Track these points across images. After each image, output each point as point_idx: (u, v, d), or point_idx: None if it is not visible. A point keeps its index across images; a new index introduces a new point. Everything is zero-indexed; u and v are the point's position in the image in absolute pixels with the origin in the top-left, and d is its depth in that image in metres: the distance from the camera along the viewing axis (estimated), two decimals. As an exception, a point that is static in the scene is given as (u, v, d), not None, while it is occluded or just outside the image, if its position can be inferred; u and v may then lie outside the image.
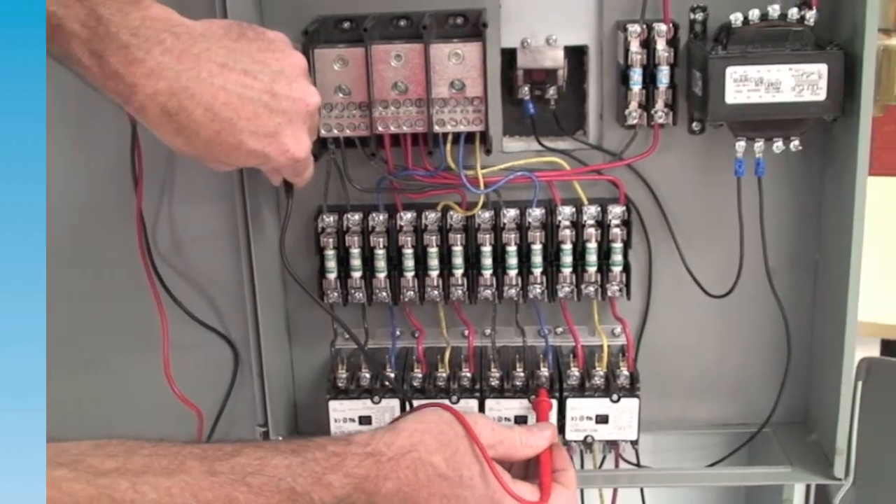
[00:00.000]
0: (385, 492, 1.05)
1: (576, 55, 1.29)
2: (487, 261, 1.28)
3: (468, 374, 1.34)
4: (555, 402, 1.31)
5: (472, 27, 1.20)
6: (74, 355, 1.45)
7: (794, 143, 1.21)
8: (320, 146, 1.23)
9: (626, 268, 1.29)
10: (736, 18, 1.18)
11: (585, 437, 1.33)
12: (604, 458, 1.41)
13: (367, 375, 1.34)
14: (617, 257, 1.29)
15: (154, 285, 1.34)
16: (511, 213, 1.28)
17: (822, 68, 1.16)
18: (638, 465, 1.42)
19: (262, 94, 1.03)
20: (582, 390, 1.32)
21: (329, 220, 1.30)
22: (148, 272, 1.34)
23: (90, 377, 1.46)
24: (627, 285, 1.30)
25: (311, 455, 1.03)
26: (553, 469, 1.20)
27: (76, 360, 1.45)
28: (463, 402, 1.32)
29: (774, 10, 1.17)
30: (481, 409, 1.33)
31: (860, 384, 1.31)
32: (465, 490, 1.10)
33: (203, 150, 1.01)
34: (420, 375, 1.35)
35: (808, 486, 1.46)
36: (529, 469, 1.22)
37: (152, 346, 1.37)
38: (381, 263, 1.29)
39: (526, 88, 1.28)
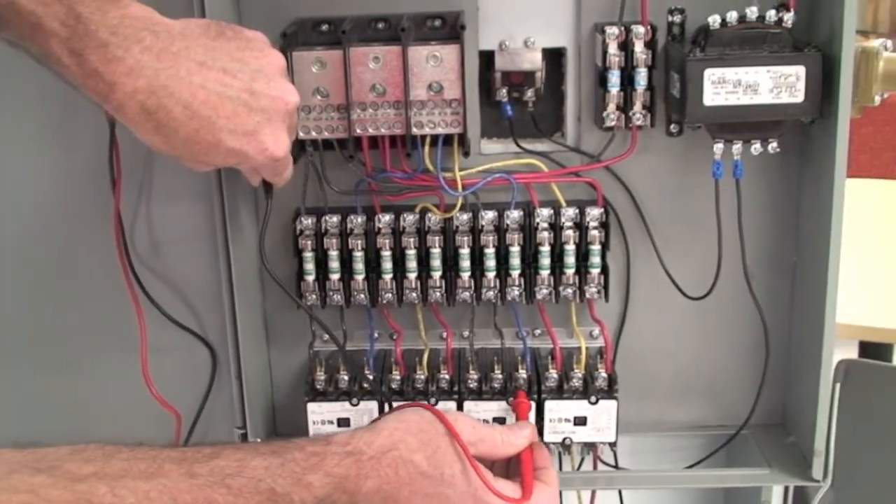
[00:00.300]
0: (366, 491, 1.05)
1: (554, 57, 1.29)
2: (465, 263, 1.28)
3: (446, 377, 1.34)
4: (533, 404, 1.31)
5: (450, 29, 1.20)
6: (51, 356, 1.44)
7: (772, 146, 1.21)
8: (299, 148, 1.23)
9: (604, 270, 1.29)
10: (714, 20, 1.17)
11: (563, 439, 1.33)
12: (582, 459, 1.41)
13: (346, 378, 1.34)
14: (595, 259, 1.29)
15: (132, 286, 1.34)
16: (489, 215, 1.28)
17: (800, 70, 1.17)
18: (616, 466, 1.42)
19: (241, 93, 1.02)
20: (560, 392, 1.32)
21: (307, 222, 1.29)
22: (126, 273, 1.33)
23: (67, 378, 1.45)
24: (605, 287, 1.30)
25: (290, 456, 1.03)
26: (534, 467, 1.20)
27: (53, 361, 1.44)
28: (441, 404, 1.32)
29: (752, 13, 1.17)
30: (459, 410, 1.32)
31: (838, 386, 1.31)
32: (447, 488, 1.10)
33: (182, 148, 1.01)
34: (398, 377, 1.35)
35: (786, 488, 1.46)
36: (510, 468, 1.22)
37: (130, 347, 1.36)
38: (359, 265, 1.29)
39: (504, 90, 1.28)
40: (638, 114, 1.23)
